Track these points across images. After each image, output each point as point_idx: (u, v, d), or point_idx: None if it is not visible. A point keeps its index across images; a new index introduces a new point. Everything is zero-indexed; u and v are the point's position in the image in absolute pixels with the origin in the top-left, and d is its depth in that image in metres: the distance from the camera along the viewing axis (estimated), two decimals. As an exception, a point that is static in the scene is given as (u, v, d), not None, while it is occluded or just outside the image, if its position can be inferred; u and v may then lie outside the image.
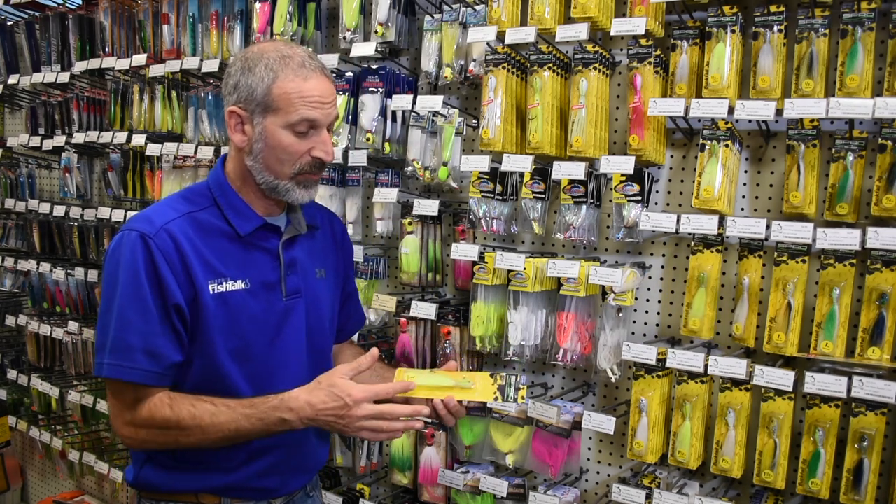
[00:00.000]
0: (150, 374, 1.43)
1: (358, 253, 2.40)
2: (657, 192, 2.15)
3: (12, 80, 3.64)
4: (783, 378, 1.75)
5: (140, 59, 3.00)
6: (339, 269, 1.80)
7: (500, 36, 2.09)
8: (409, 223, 2.43)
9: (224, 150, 2.77)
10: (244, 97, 1.49)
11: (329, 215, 1.84)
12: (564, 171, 2.03)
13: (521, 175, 2.20)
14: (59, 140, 3.48)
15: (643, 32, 1.91)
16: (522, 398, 1.54)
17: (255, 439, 1.49)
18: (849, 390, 1.66)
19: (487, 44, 2.17)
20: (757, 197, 2.01)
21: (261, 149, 1.51)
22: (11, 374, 3.90)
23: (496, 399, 1.52)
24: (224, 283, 1.49)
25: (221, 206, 1.55)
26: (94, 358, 1.47)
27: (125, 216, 3.11)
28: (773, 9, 1.82)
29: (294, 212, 1.66)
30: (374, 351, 1.52)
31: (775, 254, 1.86)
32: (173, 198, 1.59)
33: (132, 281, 1.42)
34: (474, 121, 2.39)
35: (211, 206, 1.55)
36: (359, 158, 2.43)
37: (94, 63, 3.24)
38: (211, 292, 1.47)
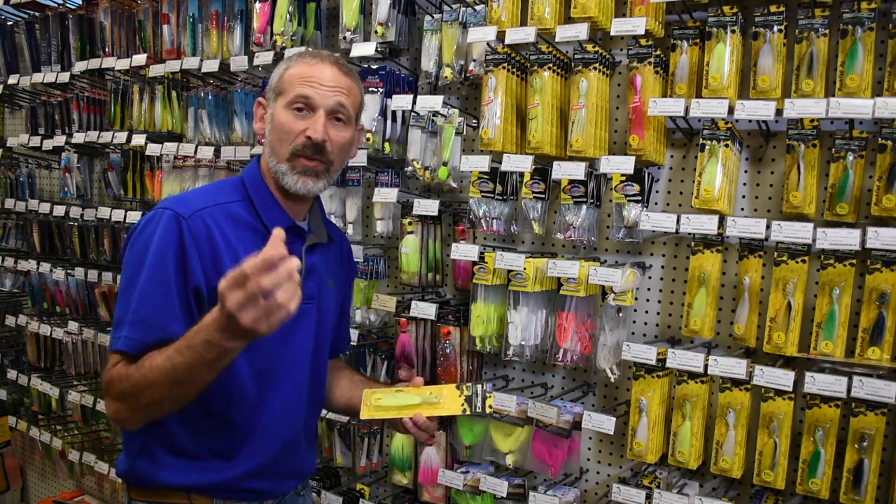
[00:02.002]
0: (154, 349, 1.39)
1: (358, 253, 2.40)
2: (657, 192, 2.15)
3: (12, 80, 3.64)
4: (783, 378, 1.75)
5: (140, 59, 3.01)
6: (343, 285, 1.82)
7: (500, 36, 2.09)
8: (409, 223, 2.43)
9: (224, 150, 2.77)
10: (268, 89, 1.58)
11: (340, 233, 1.86)
12: (564, 171, 2.03)
13: (521, 175, 2.20)
14: (59, 140, 3.48)
15: (643, 32, 1.91)
16: (490, 406, 1.53)
17: (205, 381, 1.37)
18: (849, 390, 1.66)
19: (487, 44, 2.17)
20: (757, 197, 2.01)
21: (269, 131, 1.56)
22: (11, 374, 3.90)
23: (464, 411, 1.51)
24: None
25: (254, 202, 1.56)
26: (112, 333, 1.45)
27: (125, 216, 3.11)
28: (773, 9, 1.82)
29: (315, 219, 1.67)
30: None
31: (775, 254, 1.86)
32: (207, 188, 1.61)
33: (160, 259, 1.42)
34: (474, 121, 2.39)
35: (243, 200, 1.56)
36: (359, 158, 2.42)
37: (94, 63, 3.24)
38: None
